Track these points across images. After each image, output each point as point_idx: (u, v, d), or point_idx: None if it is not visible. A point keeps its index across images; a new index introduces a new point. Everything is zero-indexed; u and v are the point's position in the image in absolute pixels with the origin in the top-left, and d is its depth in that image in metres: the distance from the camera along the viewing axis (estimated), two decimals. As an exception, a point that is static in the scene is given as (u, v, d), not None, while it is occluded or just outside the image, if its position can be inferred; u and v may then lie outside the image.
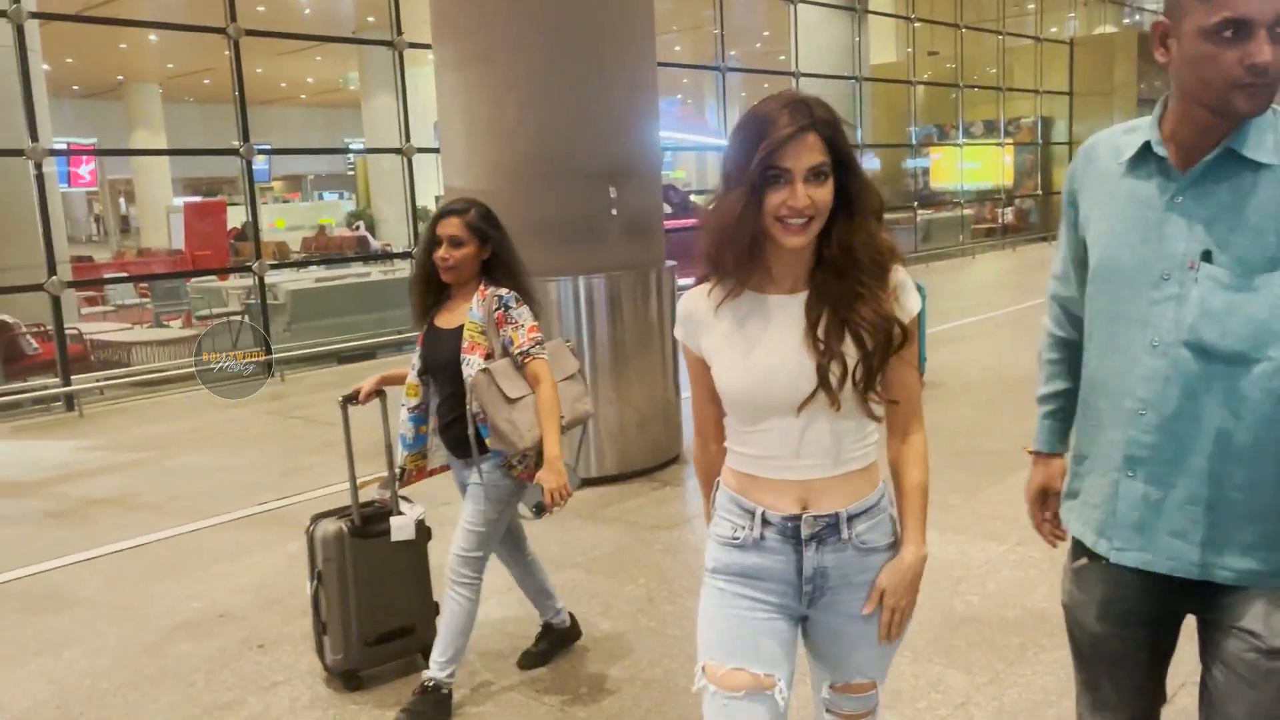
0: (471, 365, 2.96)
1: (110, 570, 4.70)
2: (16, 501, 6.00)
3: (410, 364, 3.17)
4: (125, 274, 14.03)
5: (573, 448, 3.17)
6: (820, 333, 1.67)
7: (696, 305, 1.78)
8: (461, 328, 3.03)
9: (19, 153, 7.90)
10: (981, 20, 19.71)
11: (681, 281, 14.03)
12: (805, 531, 1.73)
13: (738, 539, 1.77)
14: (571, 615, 3.58)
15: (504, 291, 3.03)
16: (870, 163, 17.73)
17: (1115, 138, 1.70)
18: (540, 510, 2.98)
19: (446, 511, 3.71)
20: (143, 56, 20.11)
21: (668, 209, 16.63)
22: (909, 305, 1.74)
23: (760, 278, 1.73)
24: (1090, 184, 1.72)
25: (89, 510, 5.72)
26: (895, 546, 1.80)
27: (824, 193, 1.62)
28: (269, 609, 4.10)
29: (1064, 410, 1.91)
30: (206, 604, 4.19)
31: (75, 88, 23.34)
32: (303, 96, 28.62)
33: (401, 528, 3.30)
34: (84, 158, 22.38)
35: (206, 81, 22.38)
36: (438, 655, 3.10)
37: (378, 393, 3.24)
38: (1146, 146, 1.61)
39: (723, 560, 1.80)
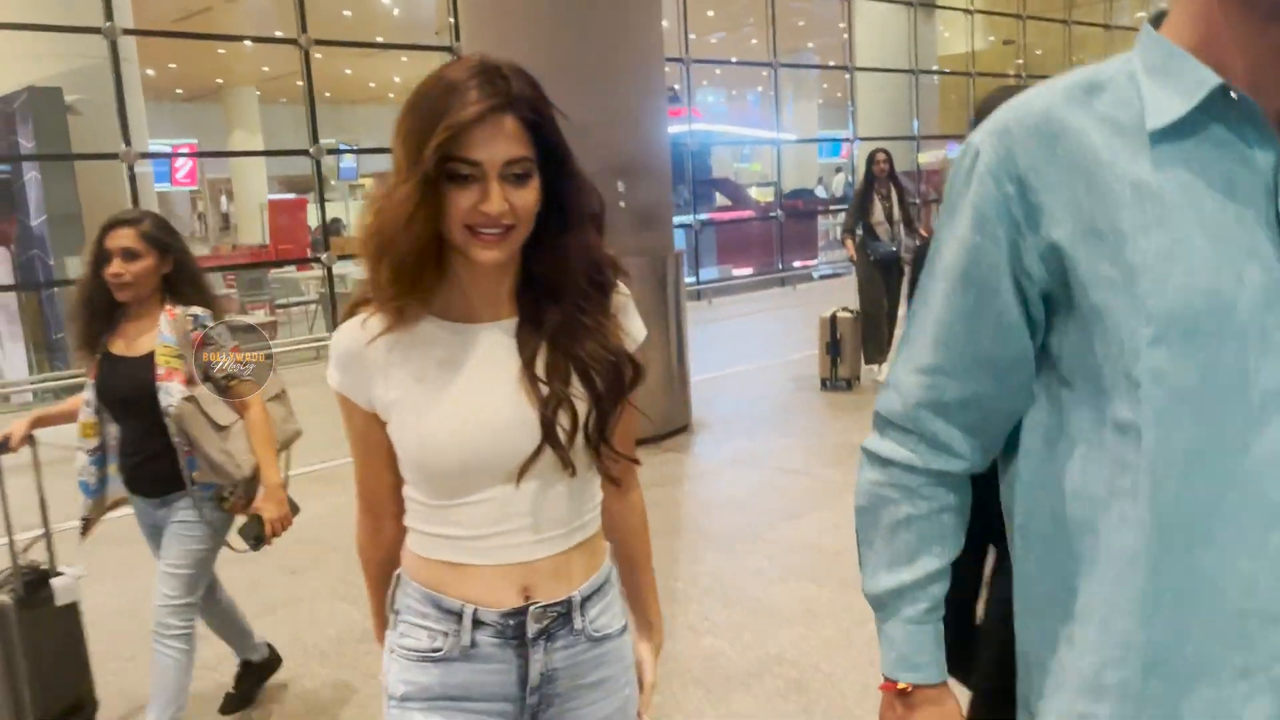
0: (172, 393, 2.65)
1: None
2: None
3: (81, 400, 2.81)
4: (211, 266, 15.15)
5: (283, 470, 2.89)
6: (541, 372, 1.32)
7: (356, 344, 1.33)
8: (150, 354, 2.68)
9: (114, 156, 8.83)
10: (1047, 10, 19.67)
11: (736, 272, 14.58)
12: (532, 628, 1.37)
13: (438, 651, 1.37)
14: (269, 645, 3.34)
15: (199, 310, 2.71)
16: (951, 152, 17.88)
17: (1079, 100, 0.95)
18: (259, 543, 2.78)
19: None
20: (240, 61, 21.27)
21: (726, 201, 17.19)
22: (635, 333, 1.42)
23: (445, 302, 1.33)
24: (1066, 177, 0.93)
25: None
26: (625, 633, 1.49)
27: (527, 195, 1.25)
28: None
29: (941, 603, 1.12)
30: None
31: (179, 91, 24.74)
32: (391, 95, 29.78)
33: (66, 589, 2.92)
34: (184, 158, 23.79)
35: (299, 84, 23.56)
36: None
37: (30, 438, 2.88)
38: (1217, 94, 0.89)
39: (418, 683, 1.38)
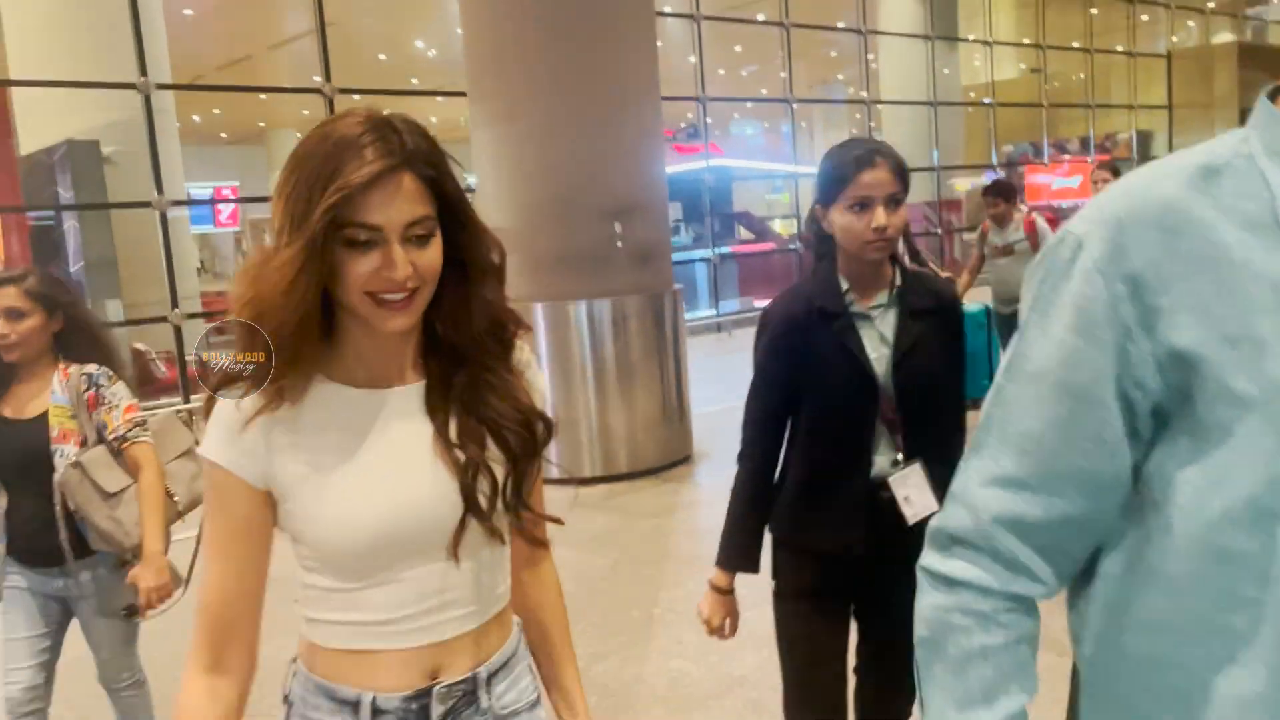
0: (67, 456, 2.57)
1: None
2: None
3: None
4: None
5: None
6: (454, 438, 1.23)
7: (239, 419, 1.18)
8: (44, 415, 2.58)
9: (146, 204, 9.24)
10: (1068, 39, 19.78)
11: (757, 304, 14.77)
12: (436, 710, 1.25)
13: None
14: None
15: (93, 369, 2.62)
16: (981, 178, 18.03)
17: (1199, 187, 0.85)
18: (132, 612, 2.65)
19: None
20: (280, 105, 21.92)
21: (749, 235, 17.40)
22: (541, 389, 1.36)
23: (342, 367, 1.23)
24: (1191, 277, 0.84)
25: None
26: (536, 707, 1.38)
27: (431, 255, 1.16)
28: None
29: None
30: None
31: (223, 135, 25.52)
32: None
33: None
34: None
35: (336, 126, 24.17)
36: None
37: None
38: None
39: None
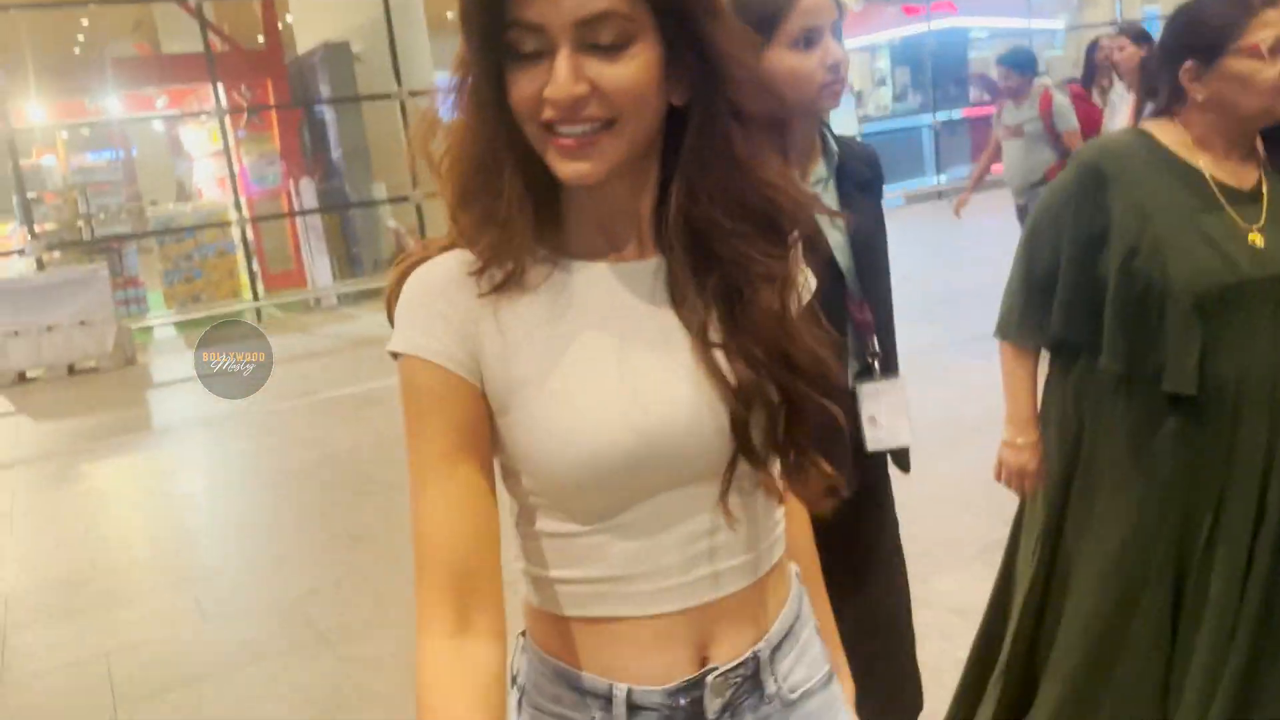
0: None
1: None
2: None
3: None
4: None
5: None
6: (720, 348, 0.89)
7: (451, 292, 0.87)
8: None
9: (387, 96, 10.47)
10: None
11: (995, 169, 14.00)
12: (712, 706, 0.93)
13: None
14: None
15: None
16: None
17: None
18: None
19: None
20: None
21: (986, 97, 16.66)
22: (809, 288, 0.99)
23: (564, 232, 0.91)
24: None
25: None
26: (831, 683, 1.05)
27: (622, 70, 0.80)
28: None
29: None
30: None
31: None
32: None
33: None
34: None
35: None
36: None
37: None
38: None
39: None
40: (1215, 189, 1.67)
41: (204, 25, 10.34)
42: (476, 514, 0.86)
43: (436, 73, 12.56)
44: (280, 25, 12.08)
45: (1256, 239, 1.66)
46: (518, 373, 0.87)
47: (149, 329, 10.45)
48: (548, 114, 0.81)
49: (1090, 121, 5.46)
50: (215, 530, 4.66)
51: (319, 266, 11.06)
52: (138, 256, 11.34)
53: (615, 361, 0.88)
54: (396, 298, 0.89)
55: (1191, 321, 1.62)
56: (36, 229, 10.20)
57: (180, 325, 10.58)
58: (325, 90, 11.22)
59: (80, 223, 11.36)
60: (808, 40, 1.46)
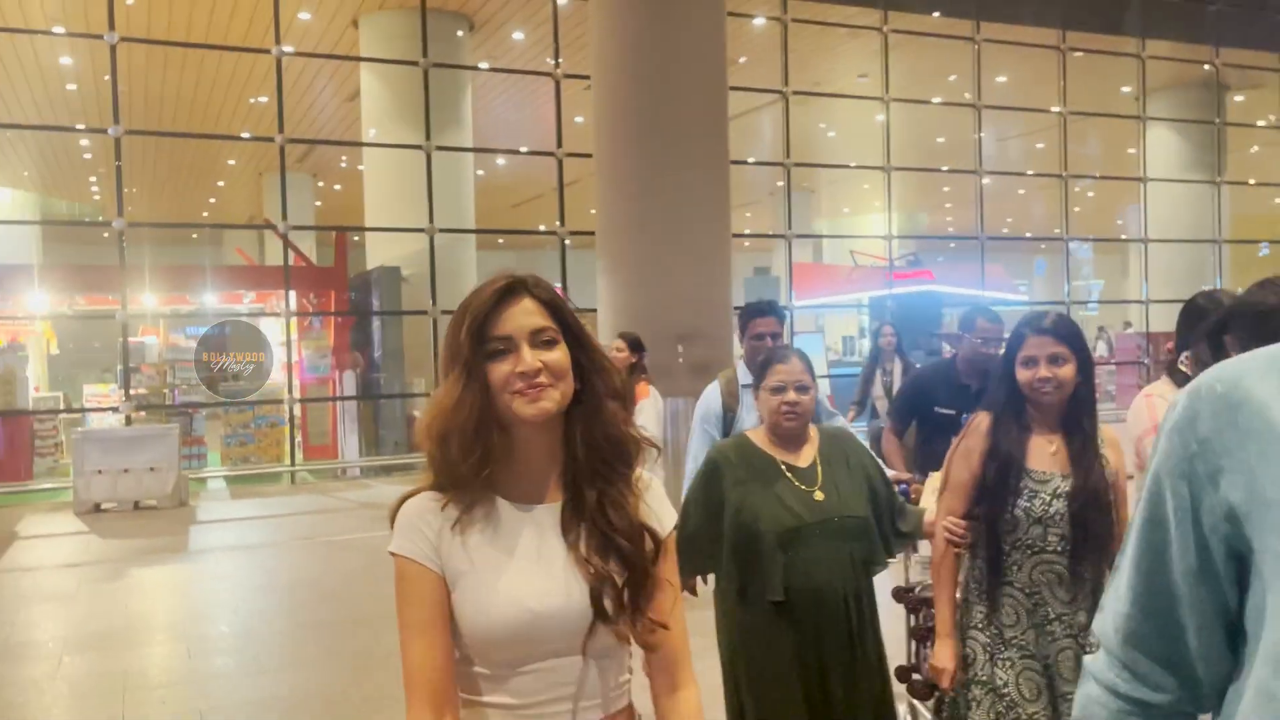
0: None
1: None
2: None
3: None
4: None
5: None
6: (584, 550, 1.44)
7: (427, 517, 1.45)
8: None
9: (423, 312, 12.99)
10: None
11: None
12: None
13: None
14: None
15: None
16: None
17: (1269, 371, 1.00)
18: None
19: None
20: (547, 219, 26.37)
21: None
22: (664, 518, 1.54)
23: (503, 482, 1.46)
24: (1243, 441, 0.98)
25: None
26: None
27: (558, 354, 1.43)
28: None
29: None
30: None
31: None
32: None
33: None
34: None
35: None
36: None
37: None
38: None
39: None
40: None
41: (287, 248, 13.10)
42: (444, 654, 1.40)
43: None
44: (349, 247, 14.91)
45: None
46: (461, 567, 1.41)
47: (204, 480, 12.69)
48: (518, 383, 1.39)
49: None
50: (220, 619, 6.64)
51: (350, 443, 13.34)
52: (205, 421, 13.75)
53: (520, 568, 1.42)
54: (396, 514, 1.46)
55: None
56: (131, 392, 12.69)
57: (229, 479, 12.84)
58: (376, 303, 13.86)
59: (165, 390, 13.90)
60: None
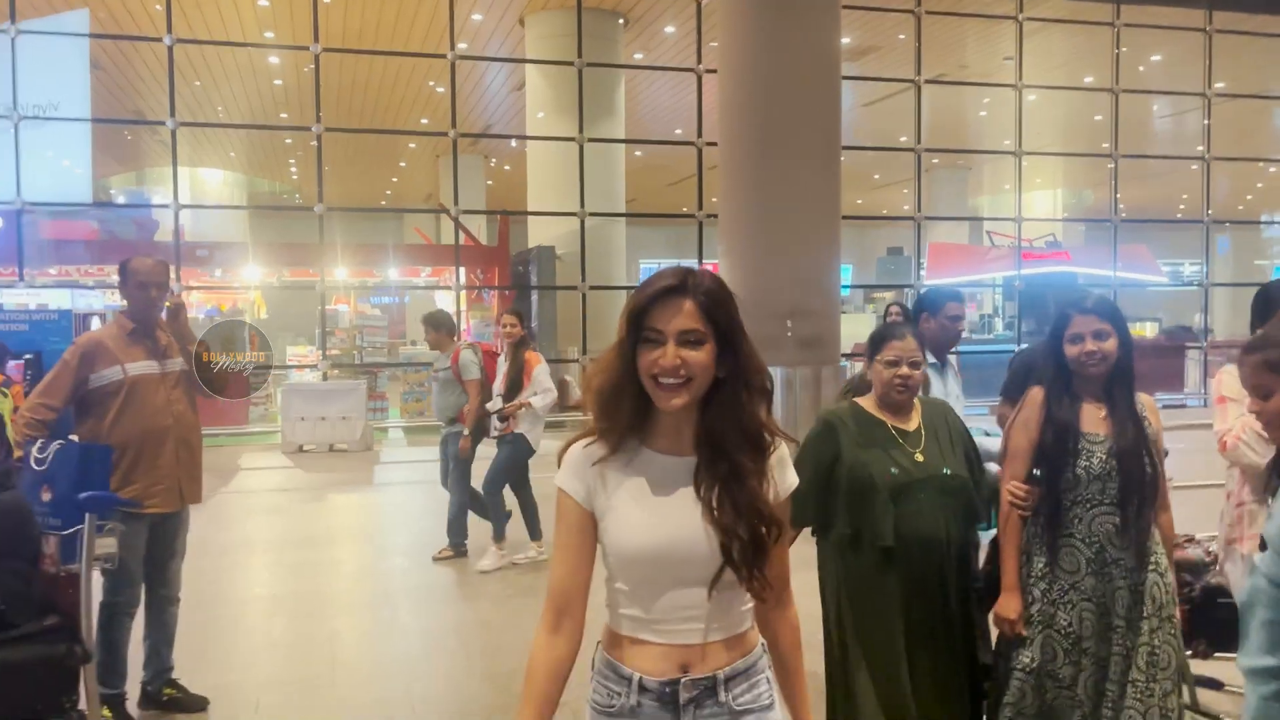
0: None
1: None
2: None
3: None
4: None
5: None
6: (715, 509, 1.66)
7: (583, 458, 1.73)
8: None
9: (573, 287, 14.50)
10: None
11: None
12: (683, 696, 1.71)
13: (613, 707, 1.73)
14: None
15: None
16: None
17: None
18: None
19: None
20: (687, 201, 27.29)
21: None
22: (785, 483, 1.77)
23: (649, 435, 1.72)
24: None
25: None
26: (770, 709, 1.78)
27: (699, 355, 1.63)
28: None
29: None
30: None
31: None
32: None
33: None
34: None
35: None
36: None
37: None
38: None
39: None
40: None
41: (458, 230, 14.84)
42: (576, 569, 1.72)
43: (628, 265, 16.51)
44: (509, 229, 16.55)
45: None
46: (608, 501, 1.71)
47: (385, 429, 14.60)
48: (655, 371, 1.63)
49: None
50: (398, 532, 8.29)
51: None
52: (388, 380, 15.73)
53: (654, 506, 1.69)
54: (562, 455, 1.75)
55: None
56: (326, 353, 14.73)
57: (406, 429, 14.74)
58: (533, 278, 15.50)
59: (355, 352, 15.97)
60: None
